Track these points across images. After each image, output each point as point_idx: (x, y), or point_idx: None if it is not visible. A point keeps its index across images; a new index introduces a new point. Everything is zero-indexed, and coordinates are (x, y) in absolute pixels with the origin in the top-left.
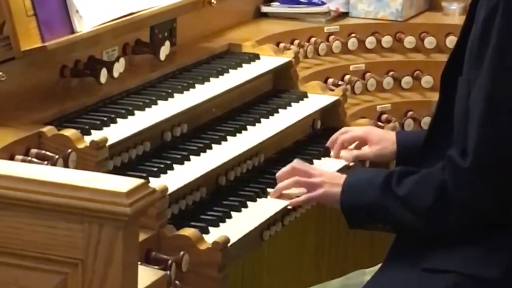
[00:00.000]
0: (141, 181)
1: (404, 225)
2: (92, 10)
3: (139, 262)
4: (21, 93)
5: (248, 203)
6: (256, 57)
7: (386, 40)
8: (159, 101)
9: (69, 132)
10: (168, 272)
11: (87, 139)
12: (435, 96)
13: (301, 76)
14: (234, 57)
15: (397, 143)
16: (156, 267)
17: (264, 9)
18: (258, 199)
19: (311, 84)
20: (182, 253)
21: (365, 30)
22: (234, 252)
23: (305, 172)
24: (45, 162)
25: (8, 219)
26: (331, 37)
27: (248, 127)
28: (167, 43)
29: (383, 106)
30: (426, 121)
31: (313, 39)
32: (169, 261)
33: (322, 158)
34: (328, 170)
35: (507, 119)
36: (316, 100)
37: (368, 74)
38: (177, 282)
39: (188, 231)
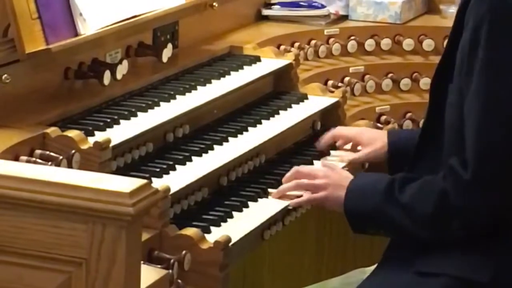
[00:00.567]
0: (144, 181)
1: (406, 231)
2: (96, 13)
3: (142, 261)
4: (25, 95)
5: (249, 203)
6: (257, 59)
7: (385, 43)
8: (161, 103)
9: (73, 133)
10: (170, 271)
11: (91, 140)
12: None
13: (302, 78)
14: (235, 59)
15: (388, 143)
16: (159, 266)
17: (265, 12)
18: (259, 199)
19: (311, 86)
20: (184, 252)
21: (365, 32)
22: (236, 251)
23: (309, 174)
24: (49, 163)
25: (13, 219)
26: (331, 40)
27: (249, 128)
28: (170, 45)
29: (382, 108)
30: None
31: (313, 42)
32: (172, 260)
33: (322, 159)
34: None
35: (503, 131)
36: (316, 101)
37: (367, 76)
38: (179, 281)
39: (190, 231)
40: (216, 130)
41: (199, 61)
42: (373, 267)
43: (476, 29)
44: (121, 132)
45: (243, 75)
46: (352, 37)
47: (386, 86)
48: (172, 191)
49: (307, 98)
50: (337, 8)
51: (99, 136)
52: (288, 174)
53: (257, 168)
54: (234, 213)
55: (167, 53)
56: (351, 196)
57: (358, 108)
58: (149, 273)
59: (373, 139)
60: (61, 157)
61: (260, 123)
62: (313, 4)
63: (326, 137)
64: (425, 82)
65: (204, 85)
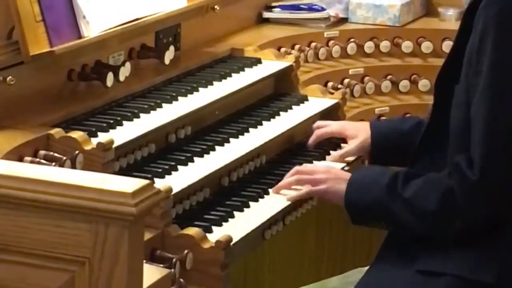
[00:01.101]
0: (146, 181)
1: (407, 226)
2: (99, 16)
3: (144, 261)
4: (29, 96)
5: (250, 203)
6: (258, 61)
7: (384, 45)
8: (164, 104)
9: (77, 134)
10: (172, 270)
11: (94, 141)
12: (432, 99)
13: (302, 80)
14: (236, 61)
15: (371, 134)
16: (161, 265)
17: (266, 14)
18: (260, 199)
19: (311, 88)
20: (186, 251)
21: (364, 35)
22: (237, 251)
23: (309, 171)
24: (53, 164)
25: (18, 218)
26: (331, 42)
27: (250, 129)
28: (172, 48)
29: (381, 109)
30: None
31: (313, 44)
32: (174, 260)
33: (322, 159)
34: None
35: (510, 132)
36: (316, 103)
37: (366, 78)
38: (181, 280)
39: (192, 231)
40: (218, 131)
41: (200, 63)
42: None
43: (485, 31)
44: (124, 133)
45: (244, 77)
46: (352, 40)
47: (385, 88)
48: (174, 191)
49: (307, 100)
50: (337, 11)
51: (102, 137)
52: (288, 174)
53: (258, 168)
54: (235, 213)
55: (169, 55)
56: (352, 188)
57: (357, 110)
58: (151, 272)
59: (357, 131)
60: (64, 158)
61: (261, 124)
62: (313, 7)
63: (312, 141)
64: (423, 84)
65: (206, 86)
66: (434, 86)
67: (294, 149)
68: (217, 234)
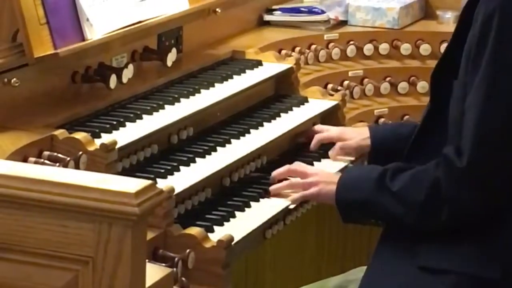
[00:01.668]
0: (149, 182)
1: (397, 220)
2: (102, 19)
3: (147, 260)
4: (34, 98)
5: (251, 203)
6: (259, 63)
7: (383, 47)
8: (166, 106)
9: (80, 135)
10: (174, 269)
11: (97, 142)
12: None
13: (302, 81)
14: (238, 63)
15: (370, 136)
16: (163, 264)
17: (267, 17)
18: (260, 199)
19: (312, 89)
20: (188, 251)
21: (363, 37)
22: (238, 250)
23: (300, 173)
24: (57, 164)
25: (22, 218)
26: (331, 44)
27: (251, 130)
28: (174, 50)
29: (381, 110)
30: None
31: (313, 46)
32: (176, 259)
33: (322, 160)
34: (326, 170)
35: (503, 123)
36: (316, 104)
37: (366, 80)
38: (183, 279)
39: (194, 230)
40: (219, 132)
41: (202, 65)
42: None
43: (485, 24)
44: (126, 134)
45: (246, 78)
46: (351, 42)
47: (384, 90)
48: (176, 191)
49: (307, 101)
50: (336, 13)
51: (106, 138)
52: (279, 170)
53: (259, 169)
54: (236, 213)
55: (171, 57)
56: (343, 186)
57: (357, 111)
58: (154, 271)
59: (356, 134)
60: (68, 159)
61: (262, 125)
62: (313, 10)
63: (314, 145)
64: (422, 86)
65: (208, 88)
66: (430, 79)
67: (295, 150)
68: (218, 233)
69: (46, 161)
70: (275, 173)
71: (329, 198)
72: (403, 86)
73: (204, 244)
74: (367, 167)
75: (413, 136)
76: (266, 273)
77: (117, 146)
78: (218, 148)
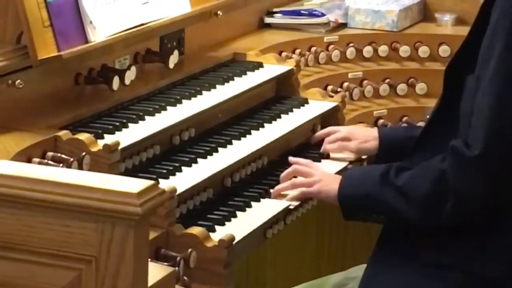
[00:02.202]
0: (151, 182)
1: (400, 215)
2: (105, 21)
3: (149, 259)
4: (38, 100)
5: (252, 203)
6: (259, 65)
7: (383, 49)
8: (168, 107)
9: (83, 136)
10: (176, 268)
11: (100, 143)
12: (429, 102)
13: (302, 83)
14: (239, 65)
15: (380, 137)
16: (165, 263)
17: (267, 20)
18: (261, 199)
19: (312, 91)
20: (190, 250)
21: (363, 40)
22: (239, 249)
23: (305, 173)
24: (61, 165)
25: (26, 218)
26: (331, 47)
27: (252, 131)
28: (176, 52)
29: (380, 112)
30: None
31: (313, 48)
32: (178, 258)
33: (322, 160)
34: (328, 171)
35: None
36: (316, 106)
37: (365, 82)
38: (185, 277)
39: (195, 230)
40: (221, 133)
41: (204, 67)
42: None
43: (499, 21)
44: (129, 135)
45: (247, 80)
46: (351, 44)
47: (384, 91)
48: (178, 191)
49: (307, 103)
50: (336, 16)
51: (109, 139)
52: (287, 171)
53: (260, 169)
54: (237, 212)
55: (173, 59)
56: (347, 182)
57: (356, 112)
58: (156, 270)
59: (365, 135)
60: (72, 159)
61: (263, 126)
62: (314, 12)
63: (321, 132)
64: (420, 87)
65: (209, 90)
66: (444, 74)
67: (295, 150)
68: (220, 233)
69: (50, 162)
70: (283, 174)
71: (330, 197)
72: (402, 87)
73: (205, 244)
74: (370, 166)
75: (419, 134)
76: (266, 272)
77: (120, 147)
78: (219, 148)
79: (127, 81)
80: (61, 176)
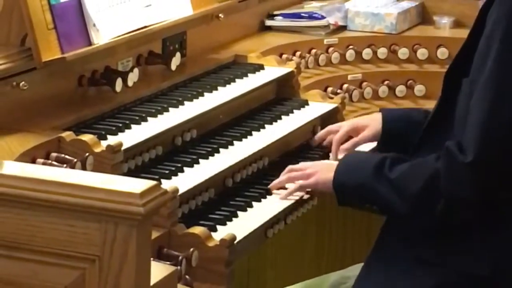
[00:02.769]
0: (154, 182)
1: (391, 207)
2: (108, 24)
3: (151, 258)
4: (41, 101)
5: (253, 203)
6: (260, 67)
7: (382, 52)
8: (170, 109)
9: (87, 137)
10: (178, 267)
11: (104, 144)
12: (427, 104)
13: (303, 85)
14: (240, 67)
15: (382, 117)
16: (168, 262)
17: (268, 22)
18: (262, 199)
19: (312, 93)
20: (191, 249)
21: (362, 42)
22: (240, 249)
23: (299, 168)
24: (64, 165)
25: (30, 218)
26: (330, 49)
27: (253, 132)
28: (178, 54)
29: None
30: None
31: (313, 51)
32: (180, 257)
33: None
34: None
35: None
36: (316, 107)
37: (364, 83)
38: (187, 276)
39: (197, 229)
40: (222, 134)
41: (206, 69)
42: None
43: (495, 25)
44: (132, 136)
45: (248, 82)
46: (350, 46)
47: (383, 93)
48: (180, 192)
49: (307, 104)
50: (336, 19)
51: (112, 140)
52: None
53: (261, 170)
54: (239, 212)
55: (175, 61)
56: (342, 169)
57: (356, 114)
58: (158, 269)
59: (369, 120)
60: (75, 160)
61: (264, 127)
62: (314, 15)
63: (321, 132)
64: (419, 89)
65: (211, 92)
66: (444, 78)
67: (295, 151)
68: (221, 233)
69: (54, 162)
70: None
71: (327, 186)
72: (400, 89)
73: (207, 243)
74: (366, 154)
75: (420, 133)
76: (267, 271)
77: (123, 147)
78: (221, 149)
79: (130, 83)
80: (64, 177)
